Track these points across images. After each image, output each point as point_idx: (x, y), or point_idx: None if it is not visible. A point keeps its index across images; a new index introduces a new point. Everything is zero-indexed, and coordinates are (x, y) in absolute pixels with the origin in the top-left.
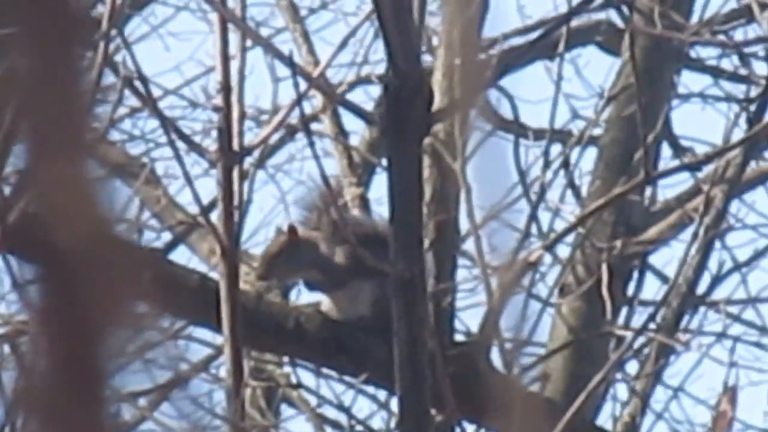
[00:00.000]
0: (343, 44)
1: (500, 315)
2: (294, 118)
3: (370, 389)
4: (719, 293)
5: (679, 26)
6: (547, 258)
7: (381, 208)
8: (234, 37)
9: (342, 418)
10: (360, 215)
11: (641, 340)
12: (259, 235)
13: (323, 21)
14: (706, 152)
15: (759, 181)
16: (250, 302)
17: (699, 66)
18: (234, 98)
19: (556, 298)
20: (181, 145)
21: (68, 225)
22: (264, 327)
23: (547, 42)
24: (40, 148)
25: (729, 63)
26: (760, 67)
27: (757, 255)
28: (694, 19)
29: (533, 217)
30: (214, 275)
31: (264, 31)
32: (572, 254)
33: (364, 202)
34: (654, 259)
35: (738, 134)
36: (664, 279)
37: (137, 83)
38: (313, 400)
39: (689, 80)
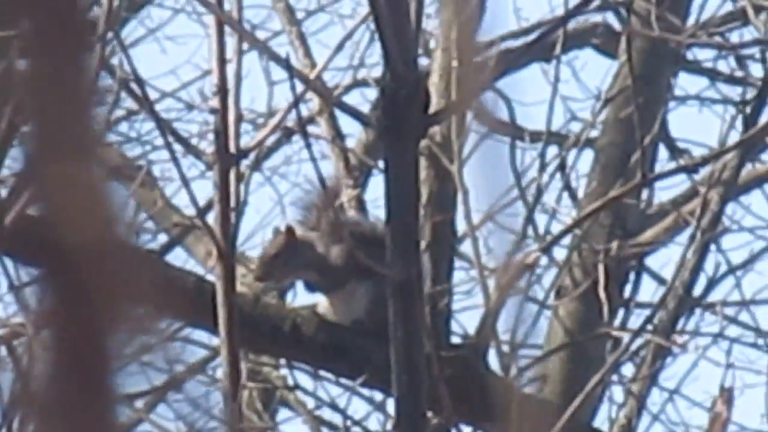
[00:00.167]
0: (340, 47)
1: (497, 317)
2: (291, 121)
3: (366, 391)
4: (715, 296)
5: (676, 28)
6: (544, 260)
7: (378, 211)
8: (230, 40)
9: (338, 420)
10: (358, 216)
11: (637, 342)
12: (256, 238)
13: (319, 24)
14: (703, 154)
15: (755, 183)
16: (246, 304)
17: (695, 68)
18: (230, 101)
19: (552, 300)
20: (177, 147)
21: (75, 226)
22: (261, 329)
23: (543, 44)
24: (46, 149)
25: (725, 65)
26: (756, 70)
27: (753, 258)
28: (691, 21)
29: (530, 220)
30: (210, 277)
31: (260, 34)
32: (569, 256)
33: (360, 204)
34: (650, 261)
35: (734, 136)
36: (660, 281)
37: (134, 86)
38: (309, 402)
39: (685, 82)
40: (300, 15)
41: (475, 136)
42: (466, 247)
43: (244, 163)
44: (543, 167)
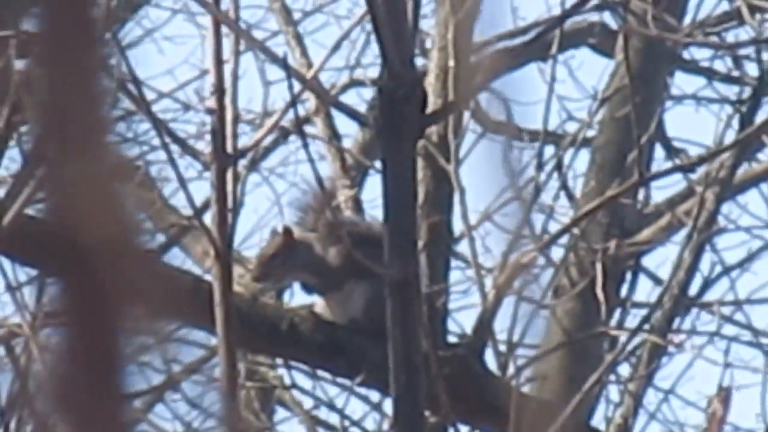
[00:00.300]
0: (337, 46)
1: (494, 316)
2: (287, 121)
3: (363, 390)
4: (711, 295)
5: (672, 28)
6: (541, 260)
7: (374, 211)
8: (227, 41)
9: (334, 420)
10: (354, 216)
11: (634, 341)
12: (253, 238)
13: (316, 24)
14: (700, 154)
15: (752, 182)
16: (244, 304)
17: (692, 68)
18: (227, 100)
19: (550, 299)
20: (174, 147)
21: (90, 225)
22: (258, 329)
23: (540, 43)
24: (60, 148)
25: (722, 65)
26: (753, 69)
27: (749, 257)
28: (687, 21)
29: (526, 219)
30: (208, 277)
31: (257, 34)
32: (566, 256)
33: (357, 204)
34: (646, 261)
35: (730, 136)
36: (656, 280)
37: (131, 86)
38: (306, 402)
39: (682, 82)
40: (297, 16)
41: (473, 135)
42: (462, 246)
43: (241, 164)
44: (540, 166)
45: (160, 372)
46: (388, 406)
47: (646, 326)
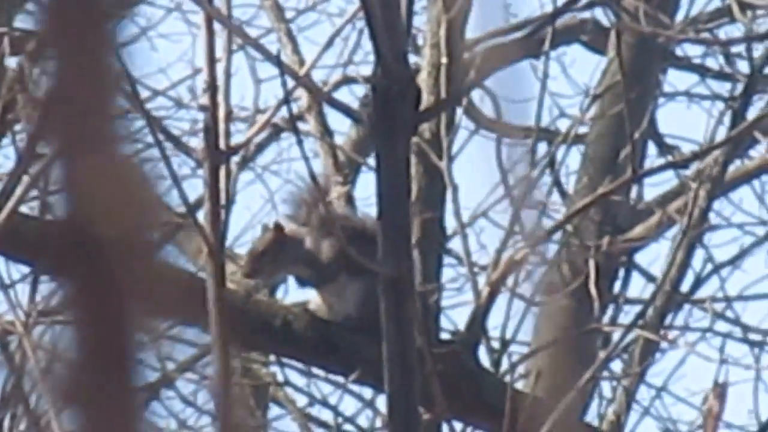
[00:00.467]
0: (330, 43)
1: (487, 313)
2: (279, 118)
3: (356, 388)
4: (703, 292)
5: (664, 25)
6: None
7: (367, 208)
8: (219, 40)
9: (327, 417)
10: (347, 212)
11: (627, 338)
12: (246, 235)
13: (307, 21)
14: (693, 150)
15: (743, 180)
16: (237, 301)
17: (684, 64)
18: (220, 97)
19: (542, 296)
20: (167, 145)
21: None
22: (252, 326)
23: (532, 41)
24: (73, 142)
25: (714, 62)
26: (744, 66)
27: (741, 254)
28: (679, 18)
29: (516, 216)
30: (201, 274)
31: (248, 31)
32: (559, 253)
33: (349, 201)
34: (638, 258)
35: (722, 132)
36: (648, 277)
37: (124, 84)
38: (300, 399)
39: (673, 78)
40: (289, 14)
41: (465, 132)
42: (455, 243)
43: (233, 161)
44: (532, 164)
45: (155, 369)
46: (381, 403)
47: (639, 323)
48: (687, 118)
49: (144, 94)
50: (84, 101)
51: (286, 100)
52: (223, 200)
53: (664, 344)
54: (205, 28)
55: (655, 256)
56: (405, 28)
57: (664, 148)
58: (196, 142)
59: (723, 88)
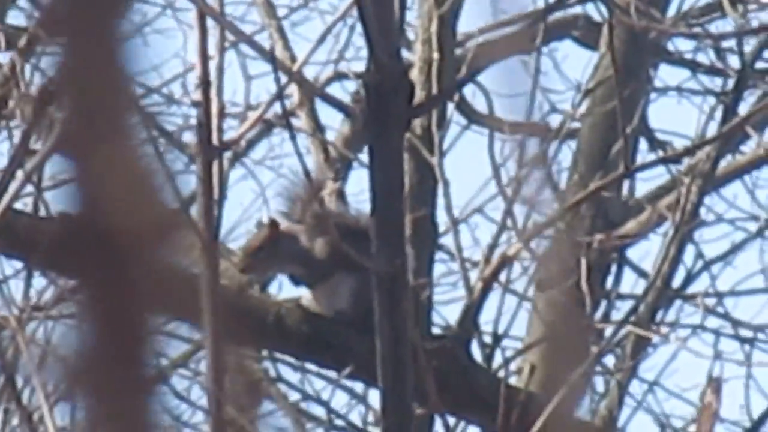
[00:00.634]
0: (323, 38)
1: (480, 309)
2: (271, 114)
3: (348, 383)
4: (693, 288)
5: (656, 20)
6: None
7: (359, 204)
8: (212, 35)
9: (318, 412)
10: (342, 208)
11: (619, 333)
12: (238, 231)
13: (298, 17)
14: (686, 145)
15: (735, 175)
16: (230, 297)
17: (675, 59)
18: (213, 93)
19: (534, 292)
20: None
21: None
22: (244, 321)
23: (524, 36)
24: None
25: (705, 57)
26: (735, 61)
27: (734, 249)
28: (671, 13)
29: (509, 212)
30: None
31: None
32: (550, 248)
33: (341, 198)
34: (629, 253)
35: (713, 127)
36: (639, 273)
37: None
38: (292, 395)
39: (664, 74)
40: (281, 11)
41: (457, 127)
42: (447, 239)
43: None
44: (522, 159)
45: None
46: (373, 398)
47: (631, 319)
48: (677, 113)
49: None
50: (96, 94)
51: (280, 95)
52: (216, 196)
53: (656, 339)
54: (197, 25)
55: (645, 252)
56: (398, 23)
57: (654, 144)
58: (189, 138)
59: (714, 83)
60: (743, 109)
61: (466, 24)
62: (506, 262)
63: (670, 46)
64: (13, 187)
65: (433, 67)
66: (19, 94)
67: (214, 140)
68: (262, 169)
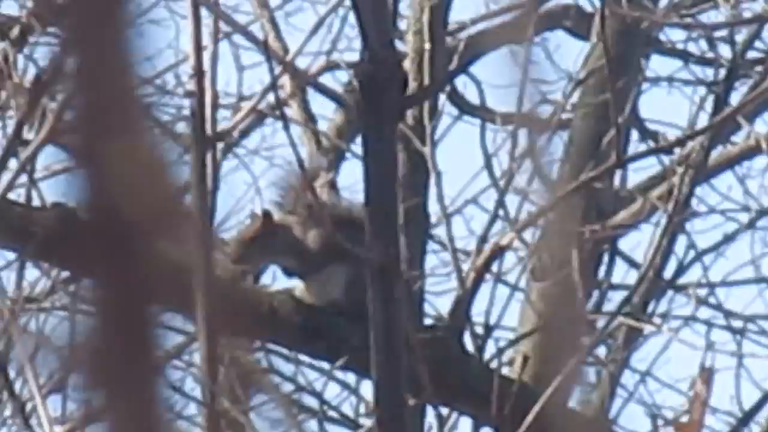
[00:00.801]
0: (317, 28)
1: (472, 300)
2: (263, 105)
3: (340, 374)
4: (685, 278)
5: (648, 10)
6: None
7: (350, 195)
8: (206, 26)
9: (313, 404)
10: (334, 198)
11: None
12: (229, 222)
13: (289, 8)
14: (678, 135)
15: (727, 165)
16: (223, 288)
17: (667, 50)
18: (207, 83)
19: (526, 282)
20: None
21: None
22: (238, 312)
23: (515, 26)
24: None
25: (696, 47)
26: (727, 51)
27: (726, 239)
28: (662, 4)
29: (501, 202)
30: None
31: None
32: (542, 239)
33: (333, 188)
34: (620, 243)
35: (703, 118)
36: (631, 263)
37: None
38: (285, 386)
39: (655, 64)
40: (274, 1)
41: (449, 118)
42: (440, 230)
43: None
44: (514, 149)
45: None
46: (365, 389)
47: (624, 309)
48: (668, 103)
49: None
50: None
51: (273, 85)
52: (210, 186)
53: (648, 330)
54: (191, 15)
55: (637, 243)
56: (391, 13)
57: (645, 134)
58: (182, 128)
59: (705, 73)
60: (734, 99)
61: (457, 14)
62: (498, 252)
63: (662, 37)
64: (6, 178)
65: (425, 58)
66: (12, 85)
67: (208, 130)
68: (254, 159)
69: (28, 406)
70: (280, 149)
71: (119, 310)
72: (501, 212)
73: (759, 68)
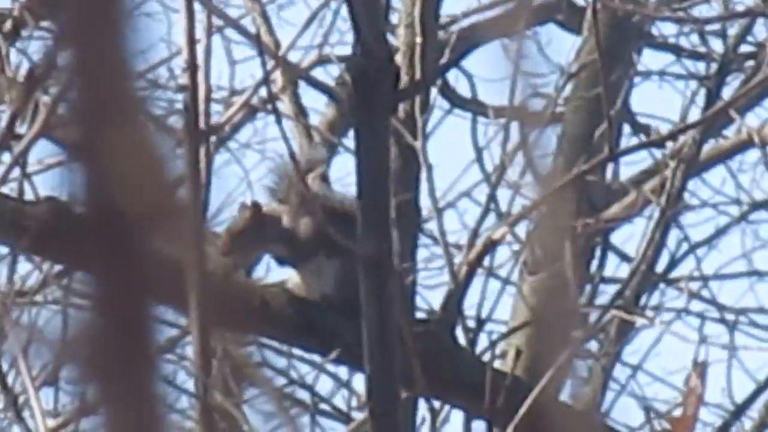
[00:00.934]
0: (309, 22)
1: (464, 293)
2: (256, 99)
3: (331, 368)
4: (677, 272)
5: (640, 4)
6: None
7: (342, 189)
8: (199, 21)
9: (306, 397)
10: (326, 190)
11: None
12: (221, 215)
13: (282, 1)
14: (671, 129)
15: (718, 159)
16: (215, 281)
17: (659, 43)
18: (200, 77)
19: (519, 276)
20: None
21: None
22: (229, 306)
23: (507, 20)
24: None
25: (687, 41)
26: (718, 45)
27: (718, 233)
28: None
29: (492, 196)
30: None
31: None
32: (534, 232)
33: (325, 182)
34: (613, 237)
35: (695, 112)
36: (623, 257)
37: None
38: (278, 380)
39: (646, 58)
40: None
41: (440, 112)
42: (431, 223)
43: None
44: (506, 143)
45: None
46: (357, 383)
47: (616, 303)
48: (660, 97)
49: None
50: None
51: (266, 79)
52: (203, 179)
53: (640, 323)
54: (185, 8)
55: (629, 236)
56: (383, 7)
57: (637, 128)
58: (175, 122)
59: (697, 67)
60: (726, 93)
61: (449, 7)
62: (491, 246)
63: (654, 31)
64: None
65: (417, 52)
66: (5, 79)
67: (201, 124)
68: (246, 153)
69: (21, 399)
70: (272, 143)
71: (113, 303)
72: (493, 206)
73: (751, 62)
